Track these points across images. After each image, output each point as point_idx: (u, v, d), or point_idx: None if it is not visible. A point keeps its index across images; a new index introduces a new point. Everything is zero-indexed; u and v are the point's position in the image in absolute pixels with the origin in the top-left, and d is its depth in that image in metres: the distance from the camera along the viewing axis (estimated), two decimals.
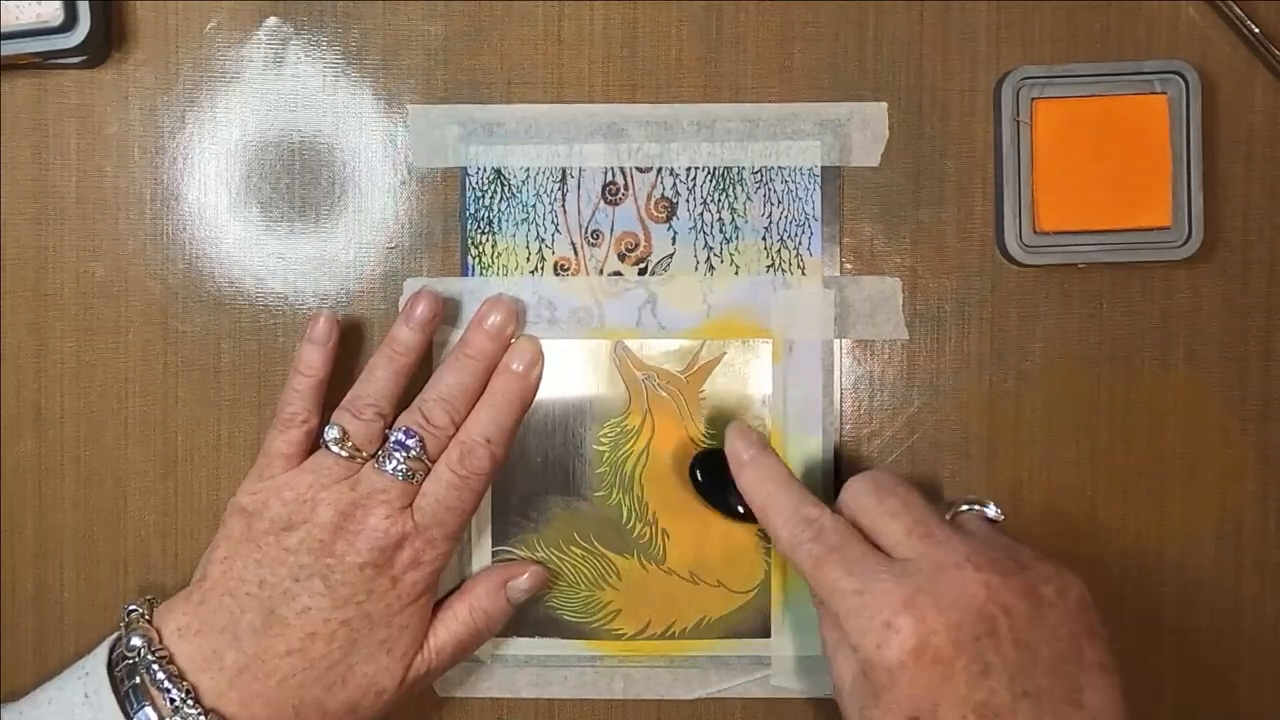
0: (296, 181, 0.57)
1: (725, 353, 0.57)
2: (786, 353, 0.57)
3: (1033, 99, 0.55)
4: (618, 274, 0.57)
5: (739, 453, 0.53)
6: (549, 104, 0.57)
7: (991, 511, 0.51)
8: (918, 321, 0.57)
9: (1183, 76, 0.55)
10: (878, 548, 0.48)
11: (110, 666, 0.49)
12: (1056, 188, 0.55)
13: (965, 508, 0.51)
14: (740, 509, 0.54)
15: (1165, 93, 0.55)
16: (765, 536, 0.57)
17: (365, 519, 0.51)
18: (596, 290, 0.57)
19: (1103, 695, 0.46)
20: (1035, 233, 0.56)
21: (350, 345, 0.57)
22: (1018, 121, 0.55)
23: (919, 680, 0.45)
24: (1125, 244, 0.56)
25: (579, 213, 0.57)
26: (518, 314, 0.56)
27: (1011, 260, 0.56)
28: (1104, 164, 0.55)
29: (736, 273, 0.57)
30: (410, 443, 0.52)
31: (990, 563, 0.46)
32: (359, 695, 0.51)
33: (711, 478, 0.55)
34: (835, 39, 0.57)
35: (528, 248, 0.57)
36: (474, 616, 0.54)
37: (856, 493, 0.50)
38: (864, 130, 0.57)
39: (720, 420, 0.57)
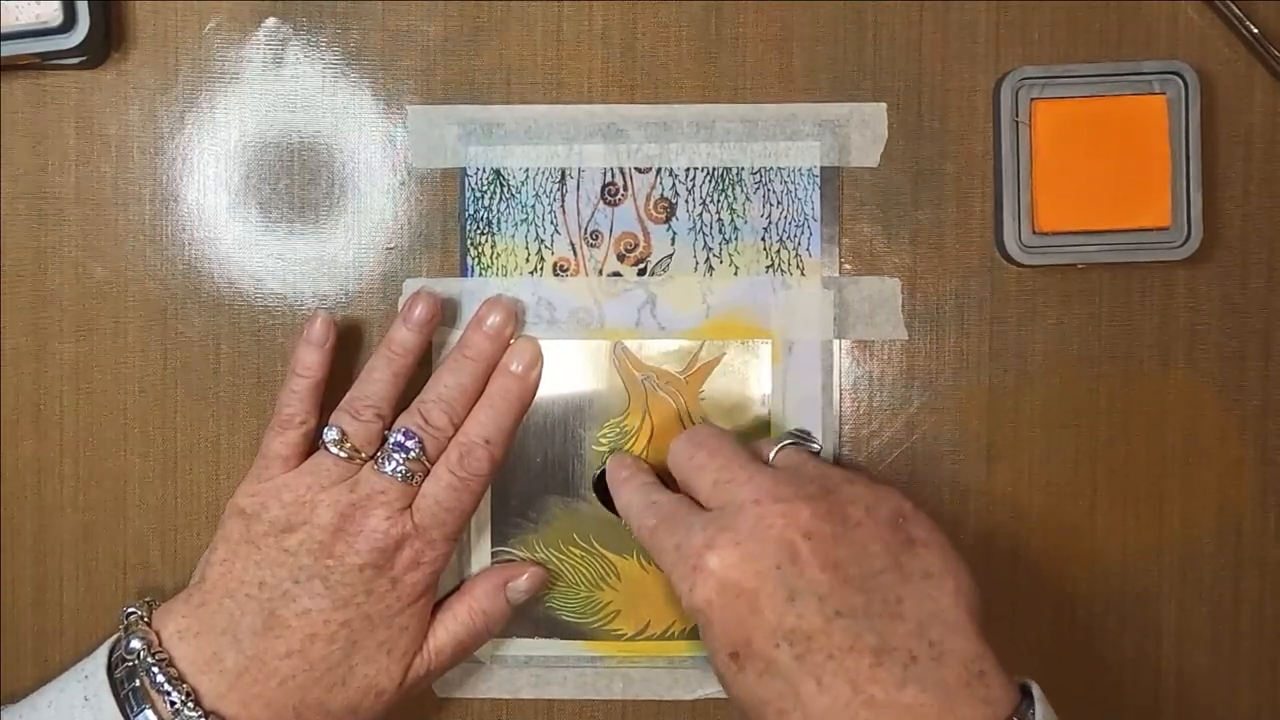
0: (295, 182, 0.57)
1: (725, 353, 0.57)
2: (786, 353, 0.57)
3: (1032, 99, 0.55)
4: (617, 274, 0.57)
5: (615, 474, 0.55)
6: (548, 104, 0.57)
7: (815, 446, 0.54)
8: (917, 322, 0.57)
9: (1181, 77, 0.55)
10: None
11: (110, 669, 0.49)
12: (1055, 188, 0.55)
13: (784, 444, 0.53)
14: None
15: (1164, 93, 0.55)
16: None
17: (365, 520, 0.51)
18: (596, 291, 0.57)
19: (929, 602, 0.46)
20: (1034, 233, 0.56)
21: (349, 346, 0.57)
22: (1017, 122, 0.55)
23: (729, 615, 0.46)
24: (1124, 244, 0.56)
25: (578, 213, 0.57)
26: (517, 315, 0.56)
27: (1011, 261, 0.56)
28: (1103, 164, 0.55)
29: (736, 273, 0.57)
30: (409, 444, 0.52)
31: (792, 493, 0.47)
32: (359, 696, 0.51)
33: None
34: (835, 39, 0.57)
35: (527, 248, 0.57)
36: (473, 617, 0.54)
37: (671, 455, 0.52)
38: (863, 130, 0.57)
39: (724, 413, 0.57)
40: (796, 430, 0.55)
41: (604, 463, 0.57)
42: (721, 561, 0.46)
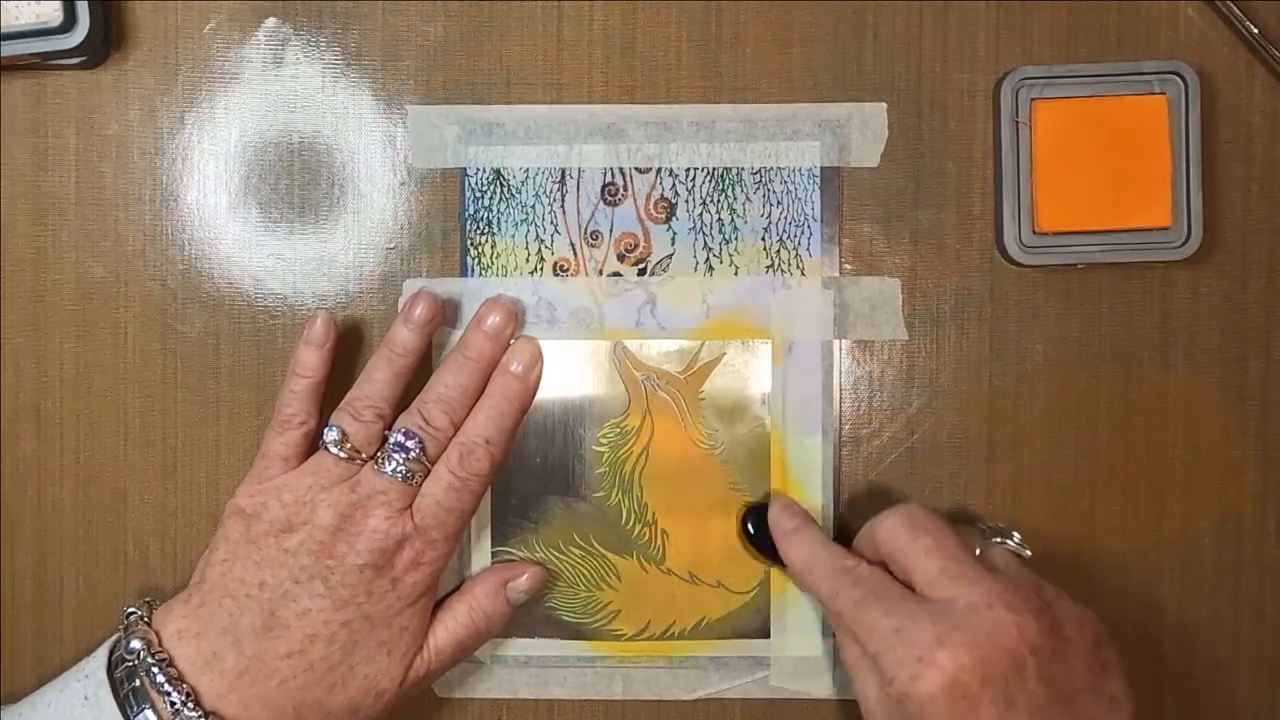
0: (296, 182, 0.57)
1: (725, 353, 0.57)
2: (786, 353, 0.57)
3: (1032, 99, 0.55)
4: (617, 274, 0.57)
5: (782, 523, 0.55)
6: (548, 104, 0.57)
7: (1014, 544, 0.53)
8: (917, 322, 0.57)
9: (1181, 77, 0.55)
10: (908, 584, 0.50)
11: (110, 669, 0.49)
12: (1055, 188, 0.55)
13: (995, 540, 0.53)
14: None
15: (1164, 93, 0.55)
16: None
17: (365, 520, 0.51)
18: (596, 291, 0.57)
19: None
20: (1034, 233, 0.56)
21: (349, 346, 0.57)
22: (1017, 122, 0.55)
23: (946, 713, 0.47)
24: (1124, 244, 0.56)
25: (578, 213, 0.57)
26: (516, 315, 0.56)
27: (1010, 261, 0.56)
28: (1103, 164, 0.55)
29: (736, 273, 0.57)
30: (410, 444, 0.52)
31: (1020, 603, 0.48)
32: (359, 696, 0.51)
33: (763, 530, 0.56)
34: (835, 39, 0.57)
35: (527, 248, 0.57)
36: (474, 617, 0.54)
37: (890, 530, 0.51)
38: (863, 131, 0.57)
39: (724, 413, 0.57)
40: (999, 527, 0.54)
41: (748, 503, 0.57)
42: (955, 662, 0.47)
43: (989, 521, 0.55)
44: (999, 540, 0.53)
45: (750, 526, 0.57)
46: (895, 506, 0.52)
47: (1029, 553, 0.53)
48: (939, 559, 0.49)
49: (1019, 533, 0.53)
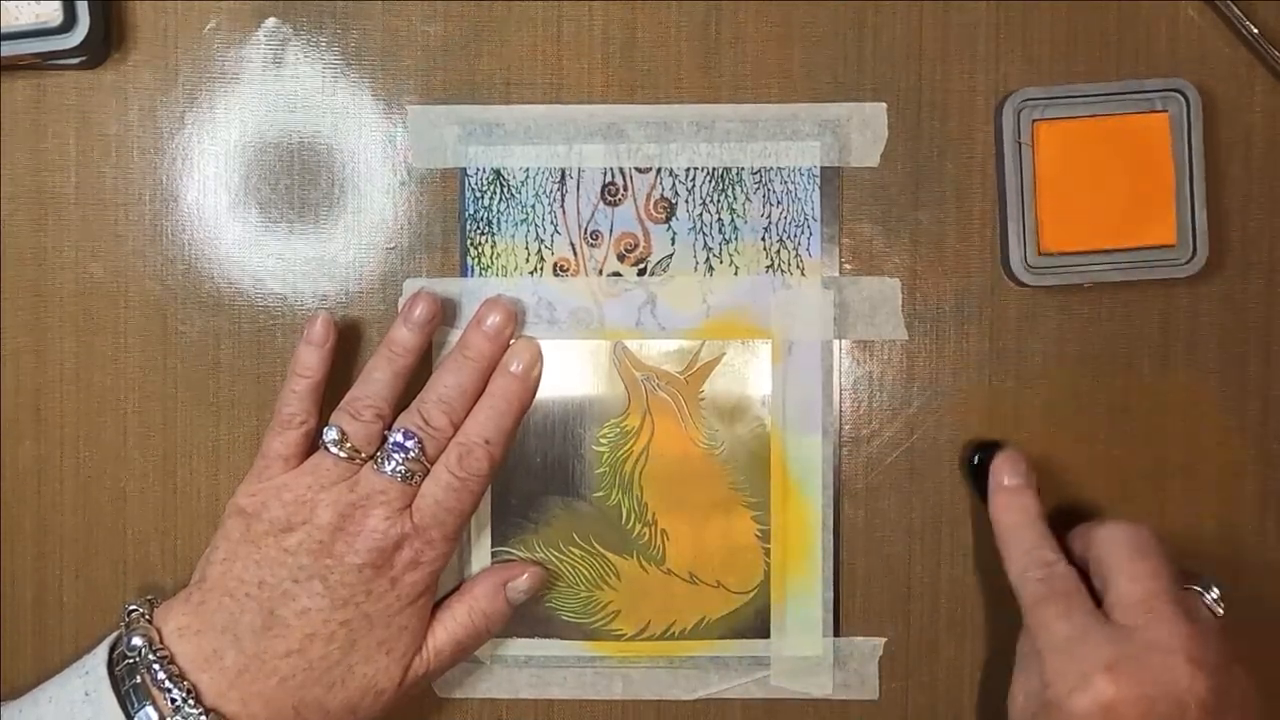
0: (296, 182, 0.57)
1: (725, 353, 0.57)
2: (786, 353, 0.57)
3: (1034, 121, 0.55)
4: (617, 274, 0.57)
5: (1002, 476, 0.54)
6: (548, 104, 0.57)
7: (1211, 600, 0.52)
8: (917, 322, 0.57)
9: (1183, 94, 0.55)
10: (1097, 596, 0.50)
11: (111, 665, 0.49)
12: (1060, 209, 0.55)
13: (1193, 587, 0.52)
14: None
15: (1166, 111, 0.55)
16: (764, 536, 0.57)
17: (364, 520, 0.51)
18: (596, 291, 0.57)
19: None
20: (1040, 254, 0.55)
21: (349, 346, 0.57)
22: (1019, 144, 0.55)
23: None
24: (1130, 263, 0.55)
25: (578, 213, 0.57)
26: (516, 315, 0.56)
27: (1017, 282, 0.56)
28: (1107, 184, 0.55)
29: (736, 273, 0.57)
30: (409, 444, 0.52)
31: (1202, 656, 0.48)
32: (358, 696, 0.51)
33: (986, 472, 0.55)
34: (835, 39, 0.57)
35: (527, 248, 0.57)
36: (473, 618, 0.54)
37: (1112, 540, 0.51)
38: (863, 131, 0.57)
39: (724, 413, 0.57)
40: (1200, 575, 0.53)
41: (977, 446, 0.56)
42: (1118, 693, 0.47)
43: (1187, 566, 0.54)
44: (1197, 590, 0.52)
45: (976, 461, 0.56)
46: (1126, 522, 0.52)
47: (1222, 610, 0.52)
48: (1147, 587, 0.49)
49: (1218, 588, 0.52)
